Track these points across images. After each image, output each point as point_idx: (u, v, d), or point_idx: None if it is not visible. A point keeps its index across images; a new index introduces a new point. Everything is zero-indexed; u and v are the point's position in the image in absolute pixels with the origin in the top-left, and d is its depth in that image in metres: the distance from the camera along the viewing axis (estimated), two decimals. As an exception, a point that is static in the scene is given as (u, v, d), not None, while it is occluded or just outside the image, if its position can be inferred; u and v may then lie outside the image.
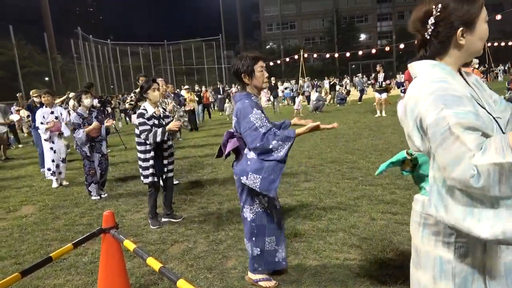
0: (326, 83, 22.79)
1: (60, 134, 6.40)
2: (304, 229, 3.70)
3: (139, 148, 4.07)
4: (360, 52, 30.43)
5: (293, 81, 26.45)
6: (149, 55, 49.34)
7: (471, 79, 1.40)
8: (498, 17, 17.77)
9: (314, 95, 17.43)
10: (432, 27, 1.32)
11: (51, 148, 6.33)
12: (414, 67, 1.39)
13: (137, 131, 4.02)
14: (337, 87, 21.47)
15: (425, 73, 1.31)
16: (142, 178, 4.12)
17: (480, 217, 1.14)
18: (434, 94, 1.20)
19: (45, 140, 6.35)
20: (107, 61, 43.92)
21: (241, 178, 2.54)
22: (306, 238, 3.50)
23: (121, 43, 47.48)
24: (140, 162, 4.08)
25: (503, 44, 26.46)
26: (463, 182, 1.11)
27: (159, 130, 3.91)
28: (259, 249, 2.73)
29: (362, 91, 20.72)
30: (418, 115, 1.24)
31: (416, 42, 1.43)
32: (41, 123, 6.24)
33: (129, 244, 2.18)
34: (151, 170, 4.03)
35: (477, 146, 1.10)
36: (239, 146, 2.67)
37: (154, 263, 1.87)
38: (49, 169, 6.36)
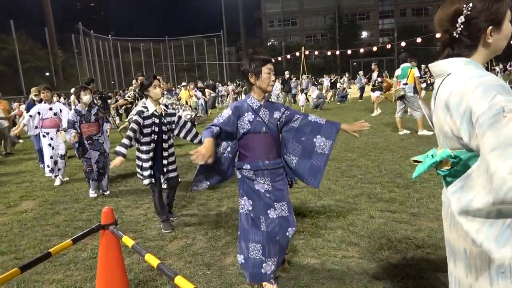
0: (326, 81, 22.71)
1: (58, 131, 6.35)
2: (303, 227, 3.71)
3: (141, 147, 3.90)
4: (362, 50, 30.35)
5: (293, 78, 26.38)
6: (150, 51, 49.23)
7: None
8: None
9: (314, 93, 17.42)
10: (462, 26, 1.32)
11: (49, 145, 6.28)
12: (444, 65, 1.38)
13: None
14: (338, 85, 21.44)
15: (463, 69, 1.32)
16: (141, 177, 3.95)
17: (473, 220, 1.21)
18: (483, 85, 1.19)
19: (42, 136, 6.29)
20: (108, 56, 43.80)
21: None
22: (305, 236, 3.51)
23: (122, 39, 47.34)
24: (138, 162, 3.93)
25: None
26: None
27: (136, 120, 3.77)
28: (242, 257, 2.65)
29: (362, 89, 20.69)
30: (467, 108, 1.22)
31: (441, 40, 1.42)
32: (30, 115, 6.18)
33: (127, 240, 2.19)
34: (149, 172, 3.87)
35: None
36: None
37: (152, 260, 1.88)
38: (48, 166, 6.33)
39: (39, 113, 6.24)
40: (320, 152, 2.65)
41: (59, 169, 6.39)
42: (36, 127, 6.26)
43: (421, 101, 7.84)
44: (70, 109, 6.60)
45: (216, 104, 21.08)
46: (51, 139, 6.30)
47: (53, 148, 6.30)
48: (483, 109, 1.15)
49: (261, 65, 2.56)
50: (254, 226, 2.60)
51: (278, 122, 2.68)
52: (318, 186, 2.75)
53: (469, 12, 1.30)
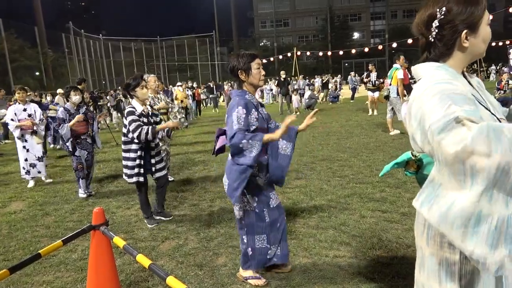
0: (317, 81, 22.79)
1: (33, 132, 6.16)
2: (295, 227, 3.72)
3: (125, 147, 3.97)
4: (353, 51, 30.55)
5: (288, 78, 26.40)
6: (141, 51, 48.84)
7: (473, 81, 1.40)
8: (490, 17, 17.94)
9: (306, 93, 17.48)
10: (436, 30, 1.31)
11: (24, 147, 6.13)
12: (418, 69, 1.38)
13: (124, 130, 3.94)
14: (329, 85, 21.54)
15: (429, 75, 1.30)
16: (126, 178, 3.99)
17: (453, 226, 1.14)
18: (440, 94, 1.19)
19: (17, 138, 6.13)
20: (99, 56, 43.35)
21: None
22: (297, 236, 3.52)
23: (113, 38, 46.88)
24: (125, 162, 3.97)
25: (493, 44, 26.76)
26: (460, 141, 1.06)
27: (149, 128, 3.82)
28: (250, 249, 2.74)
29: (354, 90, 20.81)
30: (422, 116, 1.22)
31: (420, 45, 1.42)
32: (11, 119, 6.02)
33: (119, 241, 2.18)
34: (136, 170, 3.92)
35: None
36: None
37: (144, 260, 1.87)
38: (23, 168, 6.17)
39: (15, 114, 6.07)
40: (284, 154, 2.76)
41: (39, 172, 6.23)
42: (22, 129, 6.09)
43: (404, 103, 7.91)
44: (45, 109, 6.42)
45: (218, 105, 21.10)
46: (26, 141, 6.14)
47: (28, 151, 6.14)
48: (437, 117, 1.15)
49: (250, 61, 2.57)
50: (258, 220, 2.69)
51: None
52: (282, 185, 2.87)
53: (442, 17, 1.29)
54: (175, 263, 3.19)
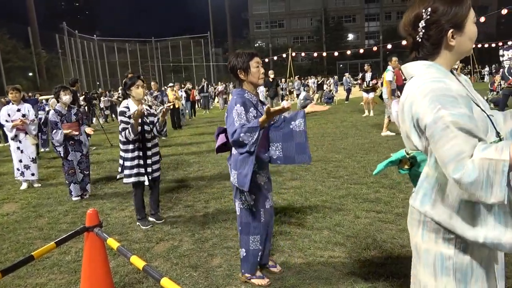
0: (311, 82, 22.85)
1: (27, 133, 6.08)
2: (290, 227, 3.73)
3: (123, 146, 3.96)
4: (348, 52, 30.69)
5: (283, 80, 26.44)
6: (136, 52, 48.71)
7: (461, 78, 1.43)
8: (482, 19, 18.11)
9: (301, 94, 17.51)
10: (423, 30, 1.35)
11: (18, 148, 6.05)
12: (408, 68, 1.41)
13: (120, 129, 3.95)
14: (324, 86, 21.61)
15: (421, 73, 1.33)
16: (124, 178, 3.98)
17: (464, 218, 1.22)
18: (431, 94, 1.22)
19: (11, 139, 6.05)
20: (93, 57, 43.13)
21: (231, 175, 2.59)
22: (291, 236, 3.53)
23: (108, 39, 46.68)
24: (123, 162, 3.96)
25: (486, 45, 27.00)
26: (458, 178, 1.13)
27: (129, 127, 3.79)
28: (244, 250, 2.74)
29: (349, 91, 20.89)
30: (415, 115, 1.27)
31: (407, 45, 1.45)
32: (6, 121, 5.94)
33: (112, 243, 2.16)
34: (135, 170, 3.93)
35: (472, 147, 1.14)
36: (227, 141, 2.68)
37: (137, 262, 1.86)
38: (18, 169, 6.09)
39: (9, 115, 6.01)
40: (298, 130, 2.63)
41: (32, 174, 6.13)
42: (17, 129, 6.02)
43: (394, 101, 7.97)
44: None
45: (211, 106, 21.03)
46: (20, 142, 6.07)
47: (22, 152, 6.06)
48: (429, 120, 1.21)
49: (249, 59, 2.58)
50: (254, 219, 2.69)
51: None
52: (310, 161, 2.69)
53: (428, 17, 1.32)
54: (170, 265, 3.17)
